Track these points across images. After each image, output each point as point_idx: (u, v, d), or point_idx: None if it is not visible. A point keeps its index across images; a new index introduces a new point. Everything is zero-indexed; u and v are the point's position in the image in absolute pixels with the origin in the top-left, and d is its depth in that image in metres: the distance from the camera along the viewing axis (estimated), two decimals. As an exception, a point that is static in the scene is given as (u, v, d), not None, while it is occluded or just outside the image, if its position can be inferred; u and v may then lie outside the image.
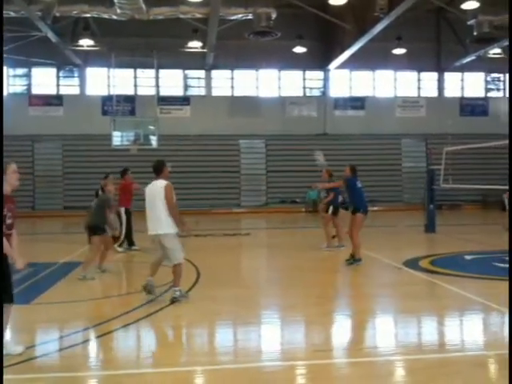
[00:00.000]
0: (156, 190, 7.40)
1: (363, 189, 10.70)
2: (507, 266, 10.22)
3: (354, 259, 10.36)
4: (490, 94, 30.33)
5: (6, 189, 5.01)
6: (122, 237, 12.46)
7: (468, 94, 30.12)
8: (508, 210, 12.51)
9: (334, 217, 12.67)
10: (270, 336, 6.29)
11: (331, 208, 12.66)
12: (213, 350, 5.74)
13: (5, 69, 27.26)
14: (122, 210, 12.44)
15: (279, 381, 4.77)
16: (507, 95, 29.88)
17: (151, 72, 26.75)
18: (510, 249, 8.78)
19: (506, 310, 6.67)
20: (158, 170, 7.57)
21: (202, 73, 28.72)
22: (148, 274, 7.71)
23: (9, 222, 4.99)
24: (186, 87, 29.01)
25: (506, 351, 5.25)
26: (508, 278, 7.30)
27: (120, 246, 12.40)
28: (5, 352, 4.93)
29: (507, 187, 12.67)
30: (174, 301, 7.33)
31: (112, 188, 10.28)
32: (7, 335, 5.39)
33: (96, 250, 9.52)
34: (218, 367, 5.08)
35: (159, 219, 7.33)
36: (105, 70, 27.53)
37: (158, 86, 27.31)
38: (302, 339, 6.12)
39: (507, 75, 29.76)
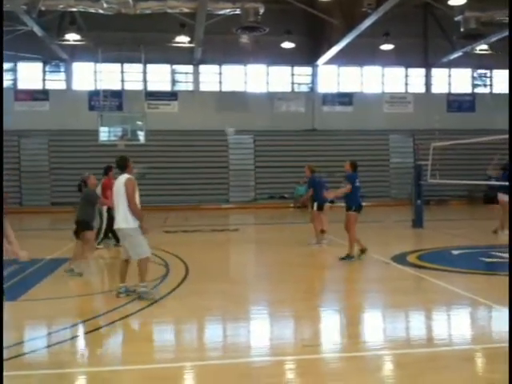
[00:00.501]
0: (119, 184, 7.42)
1: (360, 187, 10.74)
2: (494, 260, 10.34)
3: (348, 256, 10.36)
4: (476, 90, 30.51)
5: None
6: (102, 234, 12.35)
7: (455, 89, 30.28)
8: (508, 210, 12.56)
9: (320, 212, 12.66)
10: (259, 331, 6.29)
11: (315, 204, 12.64)
12: (202, 346, 5.73)
13: (-10, 63, 26.98)
14: (104, 208, 12.17)
15: (268, 376, 4.77)
16: (494, 91, 30.13)
17: (138, 67, 26.59)
18: (510, 248, 8.79)
19: (493, 304, 6.74)
20: (122, 166, 7.58)
21: (189, 68, 28.59)
22: (119, 281, 7.55)
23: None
24: (174, 82, 28.87)
25: (493, 345, 5.32)
26: (508, 276, 7.36)
27: (99, 244, 12.24)
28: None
29: (492, 183, 12.82)
30: (141, 297, 7.24)
31: (95, 181, 10.11)
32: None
33: (90, 244, 9.51)
34: (207, 363, 5.07)
35: (123, 213, 7.33)
36: (91, 64, 27.30)
37: (145, 80, 27.16)
38: (290, 334, 6.13)
39: (494, 71, 29.98)
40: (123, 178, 7.45)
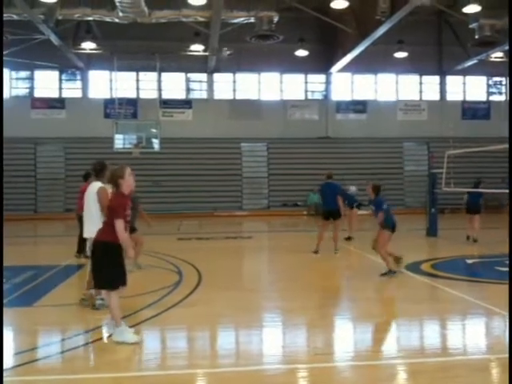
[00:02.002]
0: (91, 192, 7.17)
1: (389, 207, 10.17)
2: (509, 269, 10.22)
3: (389, 271, 9.80)
4: (491, 98, 30.32)
5: (126, 190, 5.80)
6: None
7: (470, 97, 30.11)
8: (509, 210, 12.60)
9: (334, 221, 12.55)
10: (272, 339, 6.29)
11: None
12: (214, 353, 5.74)
13: (7, 71, 27.35)
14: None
15: (280, 384, 4.77)
16: (509, 99, 29.89)
17: (153, 75, 26.79)
18: (509, 252, 8.78)
19: (507, 314, 6.66)
20: (97, 172, 7.29)
21: (204, 76, 28.76)
22: (85, 288, 7.40)
23: (128, 219, 5.82)
24: (188, 90, 29.05)
25: (507, 355, 5.25)
26: (508, 279, 7.29)
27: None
28: (121, 339, 5.49)
29: (507, 191, 12.81)
30: (95, 308, 7.12)
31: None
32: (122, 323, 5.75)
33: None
34: (220, 370, 5.08)
35: (92, 222, 7.05)
36: (107, 73, 27.60)
37: (160, 89, 27.37)
38: (303, 342, 6.11)
39: (509, 79, 29.75)
40: (96, 185, 7.18)
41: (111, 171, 5.96)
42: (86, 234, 7.33)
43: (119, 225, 5.64)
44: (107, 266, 5.75)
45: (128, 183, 5.80)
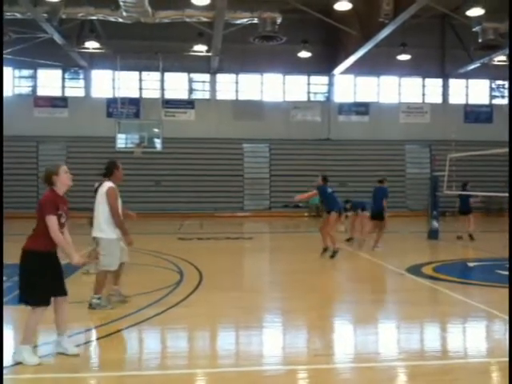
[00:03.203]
0: (100, 192, 7.18)
1: (334, 193, 12.51)
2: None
3: (334, 252, 11.76)
4: (494, 101, 30.31)
5: (60, 189, 5.34)
6: None
7: (472, 100, 30.10)
8: (509, 211, 12.72)
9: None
10: (271, 340, 6.28)
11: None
12: (213, 353, 5.74)
13: (10, 70, 27.38)
14: None
15: (280, 385, 4.77)
16: None
17: (156, 75, 26.83)
18: (510, 254, 8.76)
19: (508, 318, 6.65)
20: (106, 171, 7.29)
21: (206, 76, 28.77)
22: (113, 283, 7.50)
23: (62, 220, 5.27)
24: (191, 90, 29.07)
25: (507, 359, 5.24)
26: (508, 280, 7.28)
27: None
28: (62, 350, 5.20)
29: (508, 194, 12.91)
30: (92, 307, 7.13)
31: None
32: (66, 332, 5.51)
33: None
34: (219, 370, 5.08)
35: (98, 221, 7.16)
36: (110, 72, 27.63)
37: (162, 89, 27.41)
38: (303, 343, 6.11)
39: None
40: (105, 186, 7.18)
41: (45, 168, 5.47)
42: (93, 234, 7.37)
43: (51, 221, 5.07)
44: (33, 278, 5.05)
45: (63, 181, 5.34)
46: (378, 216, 13.66)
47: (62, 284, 5.34)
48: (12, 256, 5.10)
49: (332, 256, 11.76)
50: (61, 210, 5.24)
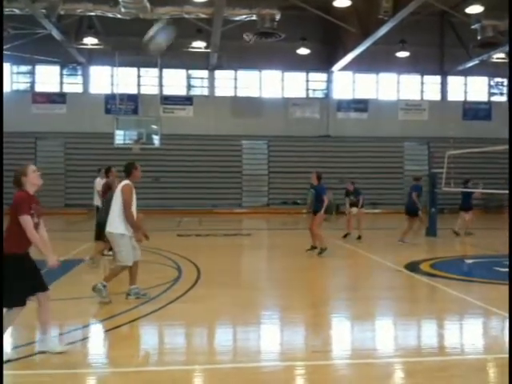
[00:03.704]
0: (117, 189, 7.45)
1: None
2: (508, 270, 10.23)
3: (322, 250, 11.78)
4: (493, 99, 30.31)
5: (30, 189, 5.26)
6: None
7: (471, 98, 30.11)
8: (509, 211, 12.75)
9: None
10: (269, 336, 6.29)
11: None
12: (211, 350, 5.75)
13: (9, 66, 27.32)
14: None
15: (277, 381, 4.78)
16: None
17: (155, 71, 26.77)
18: (509, 252, 8.78)
19: (507, 314, 6.67)
20: (126, 172, 7.56)
21: (205, 73, 28.74)
22: (130, 283, 7.59)
23: (35, 221, 5.17)
24: (189, 87, 29.03)
25: (506, 355, 5.26)
26: (508, 281, 7.29)
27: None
28: (47, 349, 5.13)
29: (507, 191, 12.98)
30: (94, 290, 7.27)
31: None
32: (51, 331, 5.42)
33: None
34: (216, 366, 5.09)
35: (112, 217, 7.36)
36: (108, 68, 27.58)
37: (161, 85, 27.37)
38: (300, 340, 6.12)
39: (511, 80, 29.76)
40: (122, 183, 7.45)
41: (15, 170, 5.45)
42: (107, 229, 7.52)
43: (26, 222, 5.02)
44: (9, 281, 4.88)
45: (32, 181, 5.31)
46: (410, 212, 14.26)
47: (40, 281, 5.23)
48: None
49: (320, 253, 11.76)
50: (33, 209, 5.19)
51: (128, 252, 7.33)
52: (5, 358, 4.83)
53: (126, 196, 7.25)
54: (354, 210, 15.18)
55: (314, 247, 12.16)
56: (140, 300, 7.39)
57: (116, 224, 7.29)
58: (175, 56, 26.16)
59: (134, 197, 7.42)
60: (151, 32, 21.07)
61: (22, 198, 5.14)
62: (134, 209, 7.38)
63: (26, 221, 5.03)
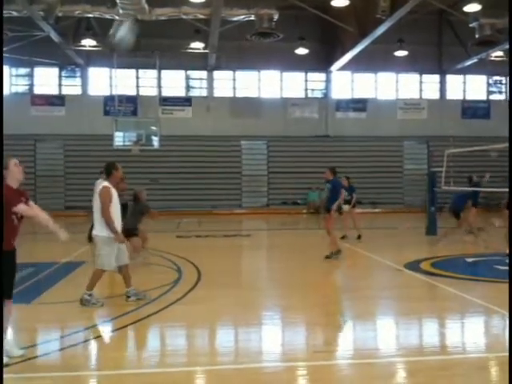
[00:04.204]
0: (97, 191, 7.35)
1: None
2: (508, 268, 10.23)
3: (332, 253, 11.36)
4: (491, 97, 30.31)
5: (12, 183, 5.07)
6: None
7: (470, 96, 30.10)
8: (509, 211, 12.66)
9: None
10: (270, 337, 6.29)
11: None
12: (212, 351, 5.74)
13: (7, 68, 27.29)
14: None
15: (279, 382, 4.77)
16: (509, 98, 29.88)
17: (153, 72, 26.76)
18: (509, 251, 8.78)
19: (507, 313, 6.66)
20: (106, 172, 7.46)
21: (203, 74, 28.72)
22: (125, 286, 7.55)
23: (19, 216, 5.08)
24: (188, 88, 29.02)
25: (506, 354, 5.25)
26: (508, 279, 7.27)
27: None
28: (5, 353, 4.95)
29: (507, 189, 13.01)
30: (82, 303, 7.18)
31: (145, 196, 11.10)
32: (9, 335, 5.37)
33: (136, 249, 10.35)
34: (218, 367, 5.08)
35: (96, 220, 7.30)
36: (107, 70, 27.55)
37: (159, 86, 27.35)
38: (302, 340, 6.12)
39: (509, 78, 29.73)
40: (100, 185, 7.32)
41: None
42: (93, 231, 7.49)
43: (22, 209, 4.95)
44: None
45: (13, 175, 5.09)
46: (454, 213, 14.13)
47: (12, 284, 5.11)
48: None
49: (328, 257, 11.28)
50: (23, 197, 5.12)
51: (108, 256, 7.24)
52: (6, 361, 4.82)
53: (104, 199, 7.15)
54: (346, 207, 14.64)
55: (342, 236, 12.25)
56: (140, 302, 7.37)
57: (100, 227, 7.21)
58: (174, 57, 26.16)
59: (116, 198, 7.32)
60: (117, 31, 21.21)
61: (9, 192, 4.91)
62: (117, 210, 7.30)
63: (23, 209, 4.98)
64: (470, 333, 6.50)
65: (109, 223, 7.15)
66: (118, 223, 7.35)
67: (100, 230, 7.22)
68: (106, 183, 7.31)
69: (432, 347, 5.78)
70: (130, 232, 9.72)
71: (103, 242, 7.23)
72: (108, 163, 7.59)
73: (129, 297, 7.48)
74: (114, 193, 7.31)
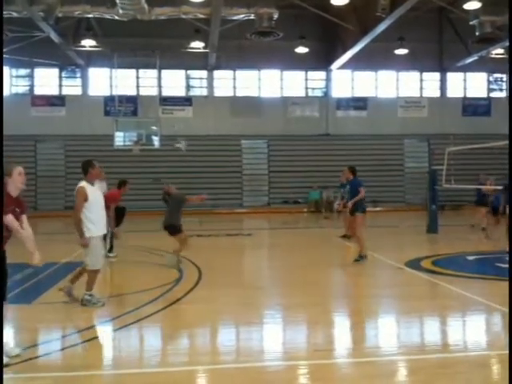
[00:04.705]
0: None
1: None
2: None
3: (361, 257, 10.75)
4: (492, 95, 30.27)
5: (12, 190, 5.03)
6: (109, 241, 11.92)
7: (470, 94, 30.06)
8: (509, 211, 12.65)
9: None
10: (272, 336, 6.29)
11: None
12: (214, 350, 5.74)
13: (7, 69, 27.30)
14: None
15: (280, 380, 4.77)
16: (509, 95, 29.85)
17: (153, 72, 26.75)
18: (509, 249, 8.77)
19: (508, 310, 6.65)
20: (82, 171, 7.34)
21: (204, 73, 28.71)
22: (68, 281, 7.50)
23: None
24: (188, 87, 29.01)
25: (507, 352, 5.24)
26: (508, 278, 7.26)
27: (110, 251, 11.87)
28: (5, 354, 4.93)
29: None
30: (82, 303, 7.16)
31: (175, 189, 11.42)
32: (8, 335, 5.37)
33: (183, 243, 10.56)
34: (220, 367, 5.08)
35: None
36: (107, 70, 27.55)
37: (160, 86, 27.34)
38: (303, 339, 6.11)
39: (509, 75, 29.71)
40: (78, 185, 7.25)
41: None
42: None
43: (7, 219, 4.81)
44: None
45: (16, 183, 5.04)
46: (493, 210, 14.52)
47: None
48: (10, 255, 5.09)
49: (357, 260, 10.70)
50: (17, 207, 5.04)
51: (97, 255, 7.23)
52: (6, 361, 4.82)
53: (77, 199, 7.09)
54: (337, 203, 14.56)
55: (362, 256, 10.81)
56: (141, 302, 7.36)
57: (85, 228, 7.11)
58: (174, 57, 26.16)
59: (97, 196, 7.26)
60: None
61: (4, 199, 4.84)
62: (98, 209, 7.23)
63: (8, 220, 4.85)
64: (471, 331, 6.49)
65: (77, 224, 7.08)
66: (102, 222, 7.30)
67: (89, 231, 7.14)
68: (82, 183, 7.22)
69: (433, 345, 5.77)
70: (177, 228, 10.43)
71: (90, 242, 7.13)
72: (84, 161, 7.44)
73: (82, 300, 7.32)
74: (95, 192, 7.25)
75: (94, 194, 7.24)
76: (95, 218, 7.17)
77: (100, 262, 7.33)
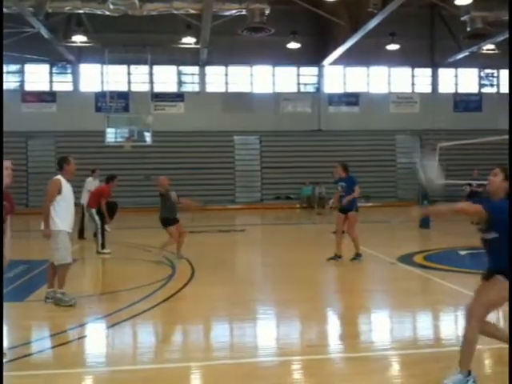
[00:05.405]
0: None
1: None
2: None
3: (358, 255, 10.52)
4: (483, 90, 30.39)
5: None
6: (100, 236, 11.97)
7: (462, 89, 30.17)
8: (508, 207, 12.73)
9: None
10: (264, 332, 6.29)
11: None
12: (207, 346, 5.73)
13: (-3, 65, 27.11)
14: (94, 210, 11.97)
15: (274, 376, 4.77)
16: (501, 91, 29.98)
17: (145, 68, 26.65)
18: (510, 248, 8.76)
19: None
20: (58, 166, 7.39)
21: (195, 69, 28.62)
22: (48, 286, 7.37)
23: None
24: (180, 83, 28.92)
25: (500, 346, 5.27)
26: (508, 278, 7.28)
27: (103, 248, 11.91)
28: None
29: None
30: (56, 303, 7.07)
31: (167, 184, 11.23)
32: None
33: (173, 238, 10.61)
34: (212, 363, 5.07)
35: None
36: (98, 66, 27.39)
37: (151, 82, 27.24)
38: (296, 335, 6.12)
39: (501, 71, 29.83)
40: (54, 177, 7.29)
41: None
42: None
43: None
44: None
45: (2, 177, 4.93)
46: None
47: None
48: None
49: (354, 258, 10.47)
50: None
51: (66, 249, 7.16)
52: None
53: (51, 189, 7.09)
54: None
55: (339, 256, 10.48)
56: (133, 298, 7.34)
57: (52, 221, 7.06)
58: (165, 52, 26.03)
59: (70, 193, 7.23)
60: None
61: None
62: (69, 205, 7.19)
63: None
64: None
65: (45, 214, 7.05)
66: (70, 219, 7.23)
67: (53, 224, 7.06)
68: (58, 176, 7.25)
69: (426, 340, 5.80)
70: (168, 221, 10.59)
71: (58, 236, 7.07)
72: (60, 157, 7.57)
73: (48, 298, 7.26)
74: (69, 189, 7.22)
75: (68, 190, 7.22)
76: (63, 213, 7.10)
77: (68, 256, 7.19)
